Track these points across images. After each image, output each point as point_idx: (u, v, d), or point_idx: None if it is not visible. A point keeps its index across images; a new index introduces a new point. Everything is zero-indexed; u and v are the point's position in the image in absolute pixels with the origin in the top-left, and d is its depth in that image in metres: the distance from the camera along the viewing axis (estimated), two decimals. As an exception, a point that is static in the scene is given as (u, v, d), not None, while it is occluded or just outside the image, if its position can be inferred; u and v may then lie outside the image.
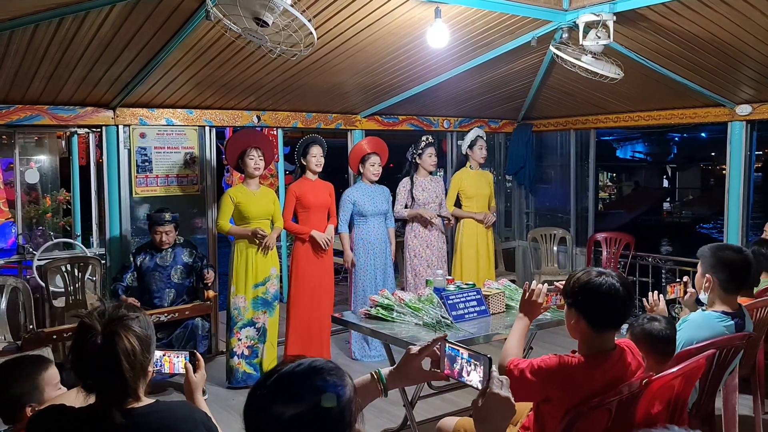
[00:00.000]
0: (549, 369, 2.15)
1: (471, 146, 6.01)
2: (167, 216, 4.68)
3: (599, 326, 2.17)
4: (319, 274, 5.14)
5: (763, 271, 4.03)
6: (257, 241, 4.78)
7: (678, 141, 22.80)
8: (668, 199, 21.89)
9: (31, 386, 2.16)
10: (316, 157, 5.07)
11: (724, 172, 6.03)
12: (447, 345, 1.62)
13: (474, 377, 1.53)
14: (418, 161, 5.67)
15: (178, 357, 2.10)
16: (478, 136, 6.01)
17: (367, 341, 5.43)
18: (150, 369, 1.79)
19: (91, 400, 1.73)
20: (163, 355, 2.09)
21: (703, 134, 20.56)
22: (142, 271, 4.72)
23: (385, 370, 1.70)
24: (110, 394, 1.69)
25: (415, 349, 1.67)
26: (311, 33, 3.03)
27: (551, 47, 4.18)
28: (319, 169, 5.11)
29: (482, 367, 1.51)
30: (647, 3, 3.76)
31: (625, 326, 2.89)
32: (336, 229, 5.31)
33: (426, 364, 1.70)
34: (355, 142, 5.89)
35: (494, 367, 1.51)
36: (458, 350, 1.58)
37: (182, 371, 2.10)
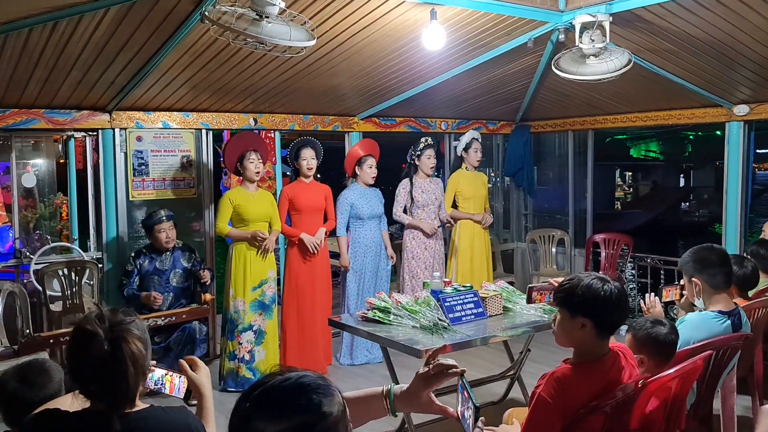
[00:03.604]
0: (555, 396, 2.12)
1: (466, 148, 6.01)
2: (164, 213, 4.69)
3: (605, 332, 2.18)
4: (313, 277, 5.11)
5: (762, 271, 4.02)
6: (257, 244, 4.78)
7: (692, 139, 22.57)
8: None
9: (58, 389, 2.16)
10: (306, 160, 5.06)
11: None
12: (460, 383, 1.51)
13: (457, 408, 1.49)
14: (416, 162, 5.68)
15: (180, 378, 2.07)
16: (474, 138, 6.01)
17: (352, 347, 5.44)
18: (147, 373, 1.79)
19: (86, 404, 1.73)
20: (165, 374, 2.06)
21: (717, 132, 20.34)
22: (141, 274, 4.71)
23: (397, 389, 1.59)
24: (114, 399, 1.68)
25: (424, 369, 1.56)
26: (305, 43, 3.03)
27: (553, 68, 4.15)
28: (310, 173, 5.10)
29: (470, 413, 1.45)
30: (643, 4, 3.75)
31: (624, 328, 2.89)
32: (333, 231, 5.30)
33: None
34: (352, 143, 5.89)
35: (480, 422, 1.45)
36: (460, 386, 1.51)
37: (181, 395, 2.07)
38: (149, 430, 1.72)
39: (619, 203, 20.52)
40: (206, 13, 3.06)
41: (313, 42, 3.18)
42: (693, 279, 2.90)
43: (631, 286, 6.64)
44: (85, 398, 1.71)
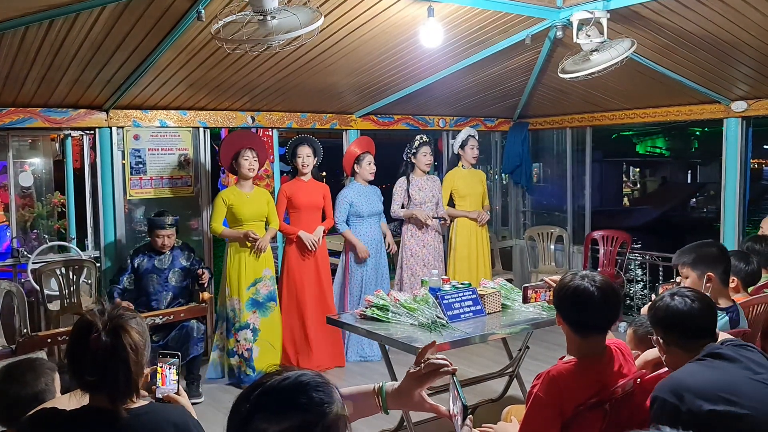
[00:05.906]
0: (548, 395, 2.11)
1: (462, 146, 6.03)
2: (169, 220, 4.66)
3: (582, 331, 2.15)
4: (312, 275, 5.11)
5: (762, 267, 4.01)
6: (249, 244, 4.78)
7: (699, 135, 22.49)
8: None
9: (51, 385, 2.17)
10: (302, 158, 5.08)
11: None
12: (451, 382, 1.48)
13: (450, 407, 1.48)
14: (413, 160, 5.67)
15: (170, 368, 2.05)
16: (470, 135, 6.02)
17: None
18: (145, 371, 1.80)
19: (83, 403, 1.73)
20: (157, 368, 2.04)
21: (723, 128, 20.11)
22: (139, 273, 4.70)
23: (389, 386, 1.56)
24: (116, 389, 1.69)
25: (414, 368, 1.53)
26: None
27: (560, 75, 4.14)
28: (306, 170, 5.12)
29: (458, 411, 1.44)
30: (641, 0, 3.74)
31: (623, 325, 2.89)
32: (334, 229, 5.30)
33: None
34: (350, 141, 5.89)
35: (468, 420, 1.44)
36: (451, 384, 1.49)
37: (173, 380, 2.06)
38: (148, 426, 1.73)
39: (626, 199, 20.51)
40: (215, 32, 3.03)
41: (321, 20, 3.11)
42: (708, 274, 2.85)
43: (631, 284, 6.64)
44: (84, 392, 1.73)
